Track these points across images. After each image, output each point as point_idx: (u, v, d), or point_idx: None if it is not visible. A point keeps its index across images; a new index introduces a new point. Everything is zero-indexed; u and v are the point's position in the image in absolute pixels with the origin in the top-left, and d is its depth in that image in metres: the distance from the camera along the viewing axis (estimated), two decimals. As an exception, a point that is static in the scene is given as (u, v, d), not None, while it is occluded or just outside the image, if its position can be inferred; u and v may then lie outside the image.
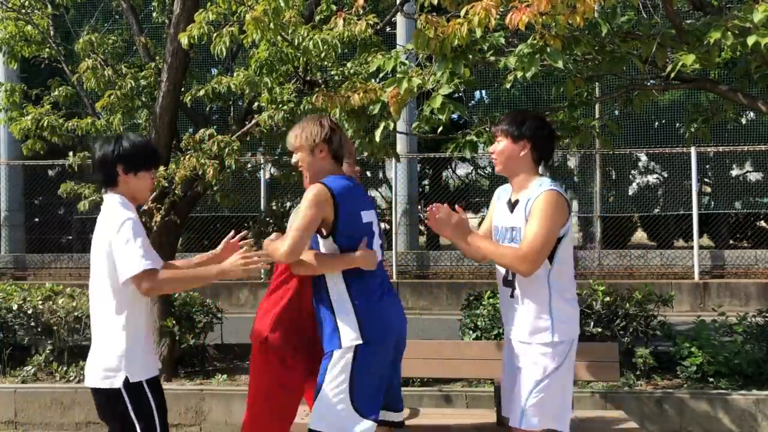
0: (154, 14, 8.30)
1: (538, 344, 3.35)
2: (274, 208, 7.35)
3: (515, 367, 3.43)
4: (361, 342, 3.30)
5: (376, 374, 3.37)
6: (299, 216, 3.26)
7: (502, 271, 3.50)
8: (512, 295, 3.45)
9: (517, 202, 3.46)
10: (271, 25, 4.65)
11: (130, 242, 3.08)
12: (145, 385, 3.14)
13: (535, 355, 3.35)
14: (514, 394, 3.40)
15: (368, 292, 3.37)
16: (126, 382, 3.10)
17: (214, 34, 5.20)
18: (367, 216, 3.45)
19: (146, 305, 3.29)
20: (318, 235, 3.38)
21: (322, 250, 3.39)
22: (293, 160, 3.53)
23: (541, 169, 3.55)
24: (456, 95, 4.39)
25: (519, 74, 4.06)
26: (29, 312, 6.82)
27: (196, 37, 5.31)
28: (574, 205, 18.91)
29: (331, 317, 3.35)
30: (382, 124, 4.65)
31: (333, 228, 3.32)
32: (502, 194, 3.63)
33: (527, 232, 3.27)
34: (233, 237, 3.68)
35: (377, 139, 4.75)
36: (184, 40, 5.37)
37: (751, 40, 3.94)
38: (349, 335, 3.31)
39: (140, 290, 3.09)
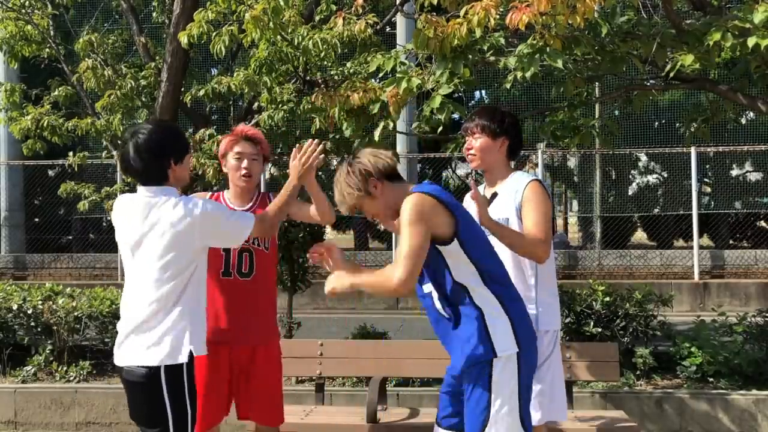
0: (154, 14, 8.31)
1: None
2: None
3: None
4: (518, 350, 2.94)
5: (530, 382, 3.07)
6: (406, 237, 2.84)
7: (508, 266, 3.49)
8: None
9: (495, 194, 3.51)
10: (271, 24, 4.65)
11: (221, 214, 3.15)
12: (184, 369, 3.06)
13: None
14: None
15: (516, 297, 3.04)
16: (167, 362, 3.02)
17: (214, 34, 5.21)
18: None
19: (203, 287, 3.22)
20: (438, 247, 2.94)
21: (452, 263, 2.95)
22: (367, 216, 3.24)
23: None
24: (456, 95, 4.40)
25: (519, 74, 4.06)
26: (29, 312, 6.82)
27: (195, 36, 5.32)
28: (574, 204, 18.91)
29: (480, 325, 2.94)
30: (382, 124, 4.66)
31: (454, 235, 2.91)
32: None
33: (533, 219, 3.31)
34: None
35: (376, 138, 4.75)
36: (183, 39, 5.37)
37: (751, 42, 3.94)
38: (505, 343, 2.94)
39: (261, 233, 3.37)
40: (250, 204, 3.77)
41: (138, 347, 3.07)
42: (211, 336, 3.38)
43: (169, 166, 3.12)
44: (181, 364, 3.04)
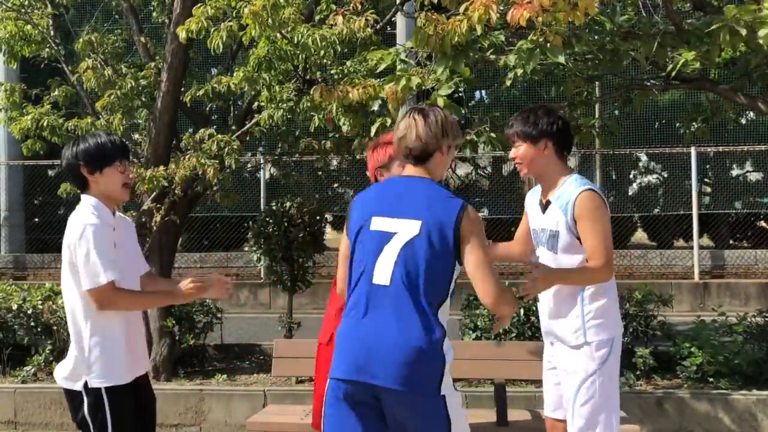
0: (154, 14, 8.30)
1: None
2: (274, 208, 7.34)
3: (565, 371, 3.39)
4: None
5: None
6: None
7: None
8: (545, 295, 3.43)
9: (548, 203, 3.39)
10: (270, 21, 4.63)
11: (91, 253, 3.04)
12: (104, 393, 3.10)
13: (574, 356, 3.32)
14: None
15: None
16: (85, 385, 3.12)
17: (212, 29, 5.20)
18: None
19: (123, 313, 3.20)
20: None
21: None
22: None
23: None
24: (456, 95, 4.38)
25: (519, 71, 4.04)
26: (29, 312, 6.81)
27: (194, 31, 5.30)
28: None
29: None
30: (379, 120, 4.63)
31: None
32: (532, 196, 3.56)
33: (591, 242, 3.22)
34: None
35: (373, 135, 4.75)
36: (182, 34, 5.36)
37: (763, 32, 3.89)
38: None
39: (97, 304, 3.06)
40: None
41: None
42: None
43: (85, 176, 3.18)
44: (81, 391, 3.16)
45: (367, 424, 2.66)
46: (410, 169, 2.86)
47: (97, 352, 3.12)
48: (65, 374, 3.20)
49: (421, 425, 2.61)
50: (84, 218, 3.10)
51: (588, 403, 3.26)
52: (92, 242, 3.04)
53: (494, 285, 2.66)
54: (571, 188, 3.30)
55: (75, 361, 3.17)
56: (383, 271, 2.67)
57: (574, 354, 3.31)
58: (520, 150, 3.38)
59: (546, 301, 3.43)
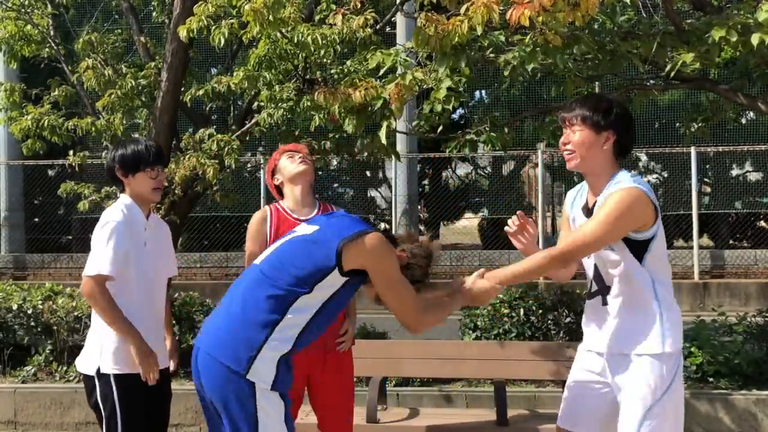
0: (154, 14, 8.29)
1: (646, 356, 2.86)
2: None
3: (615, 386, 2.94)
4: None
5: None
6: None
7: (590, 273, 3.03)
8: (605, 302, 2.96)
9: (594, 206, 2.94)
10: (270, 18, 4.64)
11: (101, 244, 3.29)
12: (113, 379, 3.30)
13: (643, 370, 2.86)
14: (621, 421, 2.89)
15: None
16: (98, 371, 3.31)
17: (213, 27, 5.20)
18: None
19: (134, 304, 3.37)
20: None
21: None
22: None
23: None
24: (456, 93, 4.38)
25: (517, 62, 4.04)
26: (29, 312, 6.81)
27: (195, 30, 5.31)
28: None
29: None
30: (385, 124, 4.64)
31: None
32: (575, 198, 3.13)
33: (581, 227, 2.87)
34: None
35: (383, 140, 4.74)
36: (183, 33, 5.36)
37: (755, 39, 3.93)
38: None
39: (83, 289, 3.30)
40: (313, 214, 3.81)
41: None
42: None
43: (119, 178, 3.47)
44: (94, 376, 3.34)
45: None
46: None
47: (111, 340, 3.32)
48: (82, 359, 3.43)
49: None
50: (112, 214, 3.38)
51: (656, 419, 2.83)
52: (107, 235, 3.30)
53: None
54: (616, 183, 2.87)
55: (91, 347, 3.38)
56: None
57: (646, 366, 2.86)
58: (576, 135, 2.91)
59: (609, 310, 2.95)
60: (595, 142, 2.89)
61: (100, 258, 3.27)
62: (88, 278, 3.27)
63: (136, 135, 7.38)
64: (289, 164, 3.84)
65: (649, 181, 15.45)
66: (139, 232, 3.42)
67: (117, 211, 3.39)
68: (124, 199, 3.48)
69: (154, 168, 3.48)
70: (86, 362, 3.39)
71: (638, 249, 2.84)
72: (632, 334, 2.88)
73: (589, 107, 2.91)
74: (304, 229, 2.91)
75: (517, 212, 3.16)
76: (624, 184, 2.82)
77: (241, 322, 2.71)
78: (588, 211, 2.97)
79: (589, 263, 3.04)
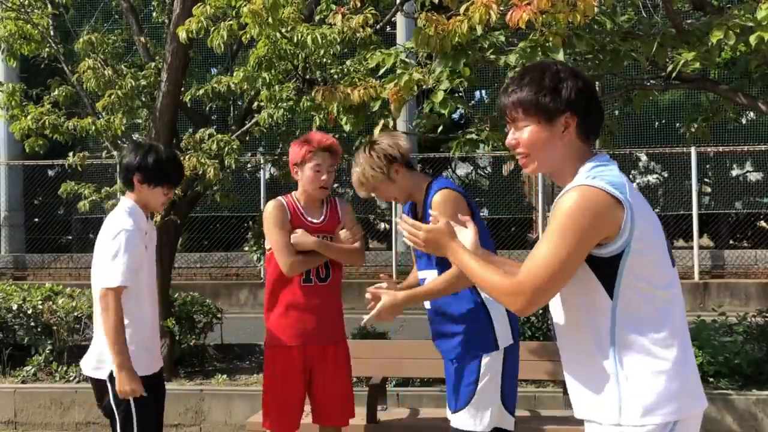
0: (154, 14, 8.29)
1: (607, 425, 2.06)
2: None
3: None
4: (512, 342, 3.26)
5: (517, 371, 3.37)
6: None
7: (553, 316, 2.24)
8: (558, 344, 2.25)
9: None
10: (270, 20, 4.64)
11: (119, 254, 3.28)
12: None
13: None
14: None
15: None
16: (111, 375, 3.31)
17: (212, 29, 5.21)
18: None
19: (144, 307, 3.43)
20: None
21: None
22: (381, 199, 3.44)
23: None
24: (456, 94, 4.38)
25: (519, 70, 4.04)
26: (29, 312, 6.81)
27: (194, 31, 5.31)
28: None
29: (484, 319, 3.21)
30: (381, 122, 4.65)
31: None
32: None
33: (532, 252, 2.04)
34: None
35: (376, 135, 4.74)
36: (182, 34, 5.36)
37: (753, 39, 3.94)
38: (505, 337, 3.23)
39: (101, 301, 3.28)
40: (322, 217, 3.83)
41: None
42: (286, 338, 3.72)
43: (134, 182, 3.43)
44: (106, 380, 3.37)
45: None
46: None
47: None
48: (92, 364, 3.43)
49: None
50: (121, 222, 3.35)
51: None
52: (123, 246, 3.28)
53: None
54: (571, 184, 2.07)
55: (99, 350, 3.38)
56: None
57: None
58: (524, 133, 2.13)
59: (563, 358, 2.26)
60: (552, 135, 2.10)
61: (118, 268, 3.26)
62: (108, 290, 3.26)
63: (136, 135, 7.38)
64: (313, 180, 3.75)
65: (648, 181, 15.44)
66: (143, 237, 3.44)
67: (125, 217, 3.37)
68: (127, 202, 3.45)
69: (171, 187, 3.52)
70: (97, 366, 3.39)
71: (603, 270, 2.04)
72: (586, 396, 2.12)
73: (532, 88, 2.10)
74: None
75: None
76: (575, 182, 2.04)
77: None
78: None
79: None
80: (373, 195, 3.41)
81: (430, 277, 3.29)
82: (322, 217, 3.83)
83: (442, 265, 3.15)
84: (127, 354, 3.28)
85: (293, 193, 3.88)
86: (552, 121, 2.09)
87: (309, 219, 3.79)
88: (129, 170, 3.44)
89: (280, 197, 3.88)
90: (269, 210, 3.77)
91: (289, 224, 3.74)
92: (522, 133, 2.13)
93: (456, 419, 3.27)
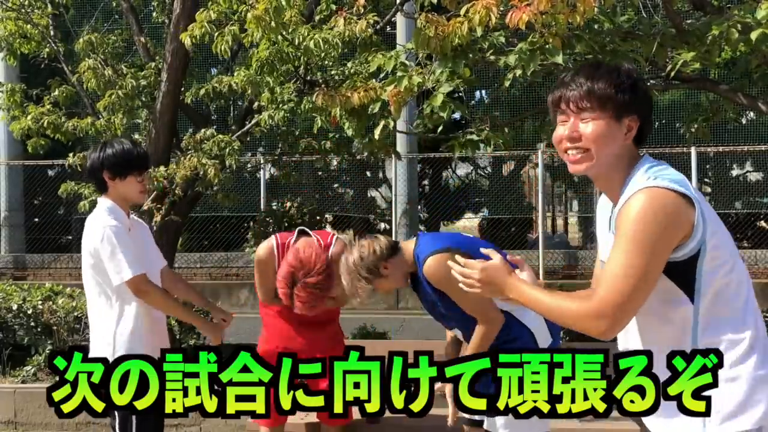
0: (154, 14, 8.29)
1: None
2: (274, 208, 7.35)
3: None
4: (551, 340, 3.21)
5: None
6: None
7: None
8: None
9: None
10: (272, 24, 4.65)
11: (116, 251, 3.25)
12: None
13: None
14: None
15: None
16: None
17: (216, 33, 5.21)
18: None
19: (140, 303, 3.40)
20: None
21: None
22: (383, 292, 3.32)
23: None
24: (456, 95, 4.39)
25: (518, 72, 4.05)
26: (29, 312, 6.81)
27: (198, 36, 5.32)
28: (574, 204, 18.89)
29: (526, 334, 3.16)
30: (382, 122, 4.66)
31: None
32: (600, 211, 2.20)
33: (606, 269, 1.92)
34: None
35: (377, 137, 4.75)
36: (186, 40, 5.37)
37: (755, 34, 3.93)
38: (545, 338, 3.17)
39: (133, 292, 3.28)
40: None
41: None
42: (282, 345, 3.69)
43: (105, 180, 3.37)
44: None
45: None
46: None
47: (121, 333, 3.34)
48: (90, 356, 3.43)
49: None
50: (102, 222, 3.31)
51: None
52: (115, 241, 3.25)
53: None
54: (632, 186, 1.93)
55: (99, 344, 3.36)
56: None
57: None
58: (588, 127, 1.97)
59: None
60: (616, 135, 1.97)
61: (125, 262, 3.24)
62: (131, 280, 3.25)
63: (136, 135, 7.38)
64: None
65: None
66: (127, 234, 3.38)
67: (106, 216, 3.33)
68: (105, 203, 3.40)
69: (142, 172, 3.43)
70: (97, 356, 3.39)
71: (681, 275, 1.90)
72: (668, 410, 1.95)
73: (606, 81, 1.96)
74: None
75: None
76: (637, 185, 1.90)
77: None
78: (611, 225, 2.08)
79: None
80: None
81: (460, 334, 3.31)
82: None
83: (461, 319, 3.16)
84: (193, 314, 3.50)
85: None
86: (620, 121, 1.97)
87: None
88: (95, 170, 3.38)
89: (273, 238, 3.81)
90: (257, 253, 3.79)
91: (273, 272, 3.64)
92: (587, 127, 1.97)
93: (504, 424, 3.17)
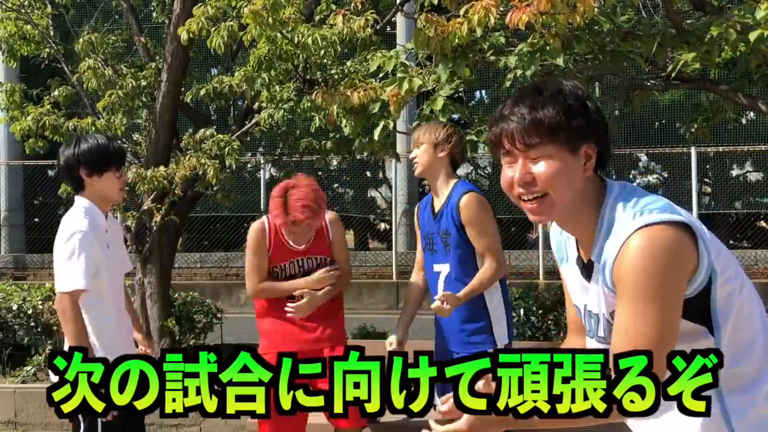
0: (154, 14, 8.30)
1: None
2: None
3: None
4: (508, 342, 3.52)
5: None
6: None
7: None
8: None
9: (590, 264, 1.75)
10: (270, 20, 4.64)
11: (72, 258, 3.14)
12: None
13: None
14: None
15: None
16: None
17: (213, 29, 5.21)
18: None
19: (106, 309, 3.30)
20: None
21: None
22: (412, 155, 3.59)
23: None
24: (456, 95, 4.39)
25: (519, 73, 4.05)
26: (29, 312, 6.82)
27: (195, 32, 5.32)
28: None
29: (486, 321, 3.50)
30: (382, 123, 4.65)
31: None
32: (564, 246, 1.87)
33: (621, 334, 1.65)
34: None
35: (376, 137, 4.75)
36: (183, 35, 5.37)
37: (753, 35, 3.93)
38: (503, 338, 3.52)
39: (58, 306, 3.18)
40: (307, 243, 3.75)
41: None
42: (283, 343, 3.61)
43: (82, 178, 3.24)
44: None
45: None
46: None
47: (96, 344, 3.22)
48: None
49: None
50: (75, 224, 3.20)
51: None
52: (77, 248, 3.14)
53: None
54: (622, 230, 1.64)
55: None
56: None
57: None
58: (542, 165, 1.66)
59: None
60: (574, 168, 1.67)
61: (73, 272, 3.12)
62: (64, 294, 3.13)
63: (136, 135, 7.38)
64: (291, 240, 3.72)
65: (648, 182, 15.42)
66: (102, 236, 3.28)
67: (80, 218, 3.20)
68: (83, 202, 3.27)
69: (119, 168, 3.31)
70: None
71: (695, 311, 1.68)
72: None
73: (552, 108, 1.65)
74: None
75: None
76: (625, 228, 1.63)
77: None
78: (585, 270, 1.78)
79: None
80: (415, 158, 3.52)
81: (445, 270, 3.48)
82: (307, 242, 3.75)
83: (456, 257, 3.44)
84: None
85: None
86: (576, 151, 1.66)
87: (291, 243, 3.72)
88: (71, 168, 3.25)
89: (264, 218, 3.80)
90: (249, 232, 3.79)
91: (265, 249, 3.69)
92: (540, 166, 1.65)
93: None
